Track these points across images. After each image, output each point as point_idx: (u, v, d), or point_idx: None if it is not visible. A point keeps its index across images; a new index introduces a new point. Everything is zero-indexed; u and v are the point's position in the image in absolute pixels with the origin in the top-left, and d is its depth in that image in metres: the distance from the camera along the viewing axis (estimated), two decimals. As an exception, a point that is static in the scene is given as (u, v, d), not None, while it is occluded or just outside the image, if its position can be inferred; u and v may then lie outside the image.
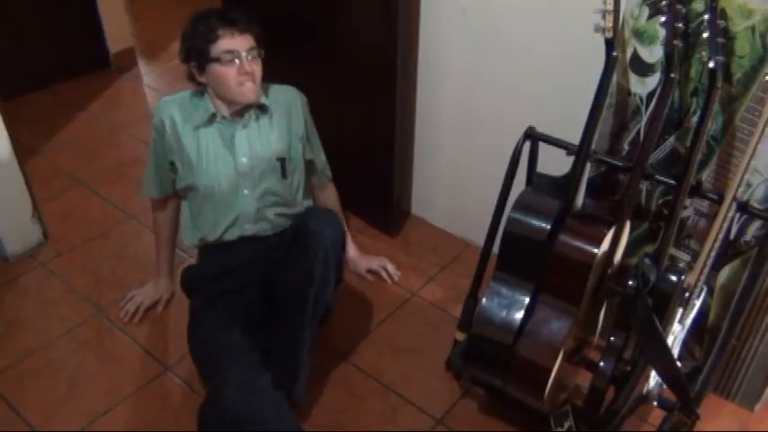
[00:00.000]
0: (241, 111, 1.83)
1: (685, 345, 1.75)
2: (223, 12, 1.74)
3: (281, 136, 1.88)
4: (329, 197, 2.15)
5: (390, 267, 2.27)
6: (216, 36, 1.70)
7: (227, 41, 1.70)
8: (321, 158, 2.06)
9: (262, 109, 1.85)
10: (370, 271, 2.26)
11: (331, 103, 2.18)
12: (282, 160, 1.89)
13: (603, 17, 1.39)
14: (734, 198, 1.45)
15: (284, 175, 1.90)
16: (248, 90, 1.75)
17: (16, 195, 2.30)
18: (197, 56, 1.73)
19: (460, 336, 1.88)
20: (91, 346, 2.02)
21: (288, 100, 1.91)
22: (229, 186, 1.84)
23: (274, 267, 1.82)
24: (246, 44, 1.72)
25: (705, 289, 1.67)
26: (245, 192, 1.85)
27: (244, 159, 1.83)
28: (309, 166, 2.02)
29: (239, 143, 1.83)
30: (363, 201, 2.20)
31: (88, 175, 2.75)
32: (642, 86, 1.63)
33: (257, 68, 1.75)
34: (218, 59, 1.71)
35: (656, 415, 1.76)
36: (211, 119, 1.81)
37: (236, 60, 1.71)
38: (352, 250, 2.26)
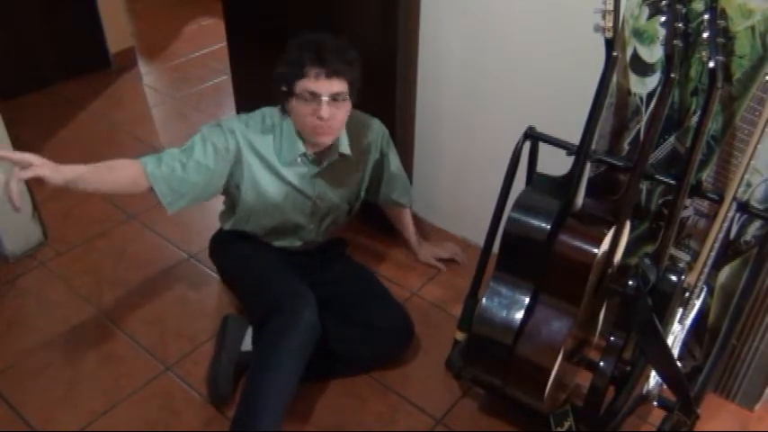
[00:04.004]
0: (325, 153, 1.81)
1: (685, 345, 1.75)
2: (321, 48, 1.64)
3: (355, 182, 1.94)
4: (402, 216, 2.22)
5: (461, 254, 2.31)
6: (303, 73, 1.63)
7: (310, 82, 1.63)
8: (399, 188, 2.08)
9: (343, 157, 1.85)
10: (440, 260, 2.30)
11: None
12: (352, 203, 1.98)
13: (603, 17, 1.39)
14: (734, 198, 1.45)
15: (349, 213, 2.01)
16: (322, 134, 1.70)
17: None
18: (285, 85, 1.68)
19: (460, 336, 1.88)
20: (91, 346, 2.02)
21: (369, 139, 1.93)
22: (296, 220, 1.91)
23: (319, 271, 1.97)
24: (332, 89, 1.64)
25: (705, 289, 1.67)
26: (311, 227, 1.94)
27: (317, 202, 1.88)
28: (377, 194, 2.09)
29: (316, 188, 1.86)
30: (363, 201, 2.20)
31: (88, 175, 2.75)
32: (642, 86, 1.63)
33: (340, 113, 1.68)
34: (299, 96, 1.66)
35: (657, 415, 1.76)
36: (296, 160, 1.80)
37: (314, 104, 1.65)
38: (414, 240, 2.28)
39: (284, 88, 1.70)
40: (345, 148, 1.83)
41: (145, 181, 1.65)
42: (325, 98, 1.64)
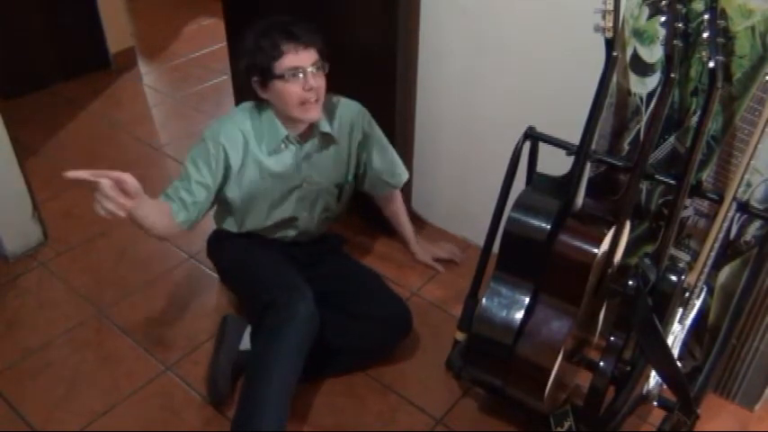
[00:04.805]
0: (306, 134, 1.83)
1: (685, 345, 1.75)
2: (286, 26, 1.70)
3: (342, 164, 1.94)
4: (398, 211, 2.20)
5: (459, 254, 2.31)
6: (280, 53, 1.67)
7: (291, 58, 1.67)
8: (386, 168, 2.07)
9: (327, 138, 1.86)
10: (438, 260, 2.30)
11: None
12: (340, 186, 1.97)
13: (603, 17, 1.39)
14: (734, 198, 1.45)
15: (340, 198, 2.00)
16: (311, 109, 1.73)
17: (16, 195, 2.30)
18: (260, 72, 1.71)
19: (460, 336, 1.88)
20: (91, 346, 2.02)
21: (351, 120, 1.93)
22: (287, 208, 1.91)
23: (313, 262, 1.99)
24: (311, 59, 1.69)
25: (705, 289, 1.67)
26: (304, 214, 1.94)
27: (305, 185, 1.89)
28: (363, 179, 2.07)
29: (304, 171, 1.87)
30: (363, 200, 2.21)
31: (88, 175, 2.75)
32: (642, 86, 1.63)
33: (321, 83, 1.73)
34: (282, 76, 1.68)
35: (657, 415, 1.76)
36: (280, 146, 1.81)
37: (301, 76, 1.68)
38: (412, 238, 2.27)
39: (257, 77, 1.73)
40: (326, 126, 1.85)
41: (175, 225, 1.76)
42: (309, 69, 1.69)
